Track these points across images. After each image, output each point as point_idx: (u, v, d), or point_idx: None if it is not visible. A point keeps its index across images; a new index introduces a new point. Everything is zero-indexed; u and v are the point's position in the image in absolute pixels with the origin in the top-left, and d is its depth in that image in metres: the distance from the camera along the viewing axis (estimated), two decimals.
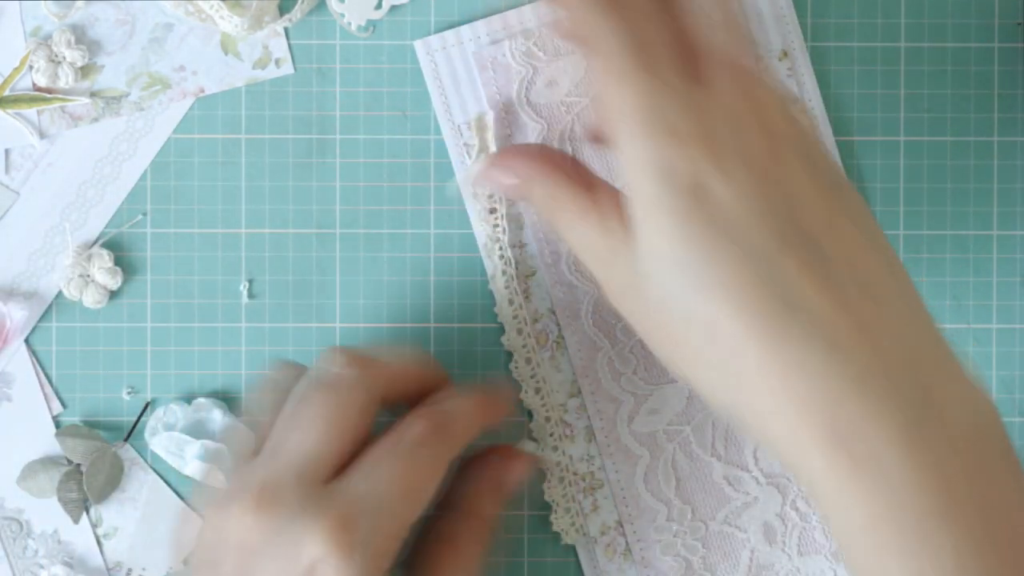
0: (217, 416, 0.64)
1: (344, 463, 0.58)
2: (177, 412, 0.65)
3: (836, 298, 0.52)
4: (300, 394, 0.59)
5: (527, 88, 0.64)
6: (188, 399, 0.65)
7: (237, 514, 0.56)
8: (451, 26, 0.65)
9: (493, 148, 0.64)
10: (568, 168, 0.58)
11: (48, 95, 0.64)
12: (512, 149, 0.61)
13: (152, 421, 0.65)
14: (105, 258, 0.65)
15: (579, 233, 0.56)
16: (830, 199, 0.54)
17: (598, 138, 0.60)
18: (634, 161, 0.54)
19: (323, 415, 0.58)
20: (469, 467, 0.63)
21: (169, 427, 0.65)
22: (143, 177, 0.65)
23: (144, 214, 0.65)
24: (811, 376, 0.52)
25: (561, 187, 0.57)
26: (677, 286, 0.53)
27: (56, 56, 0.64)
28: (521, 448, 0.65)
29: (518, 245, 0.65)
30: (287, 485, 0.56)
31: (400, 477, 0.57)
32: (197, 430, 0.64)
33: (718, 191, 0.53)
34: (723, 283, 0.53)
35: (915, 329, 0.53)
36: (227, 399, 0.65)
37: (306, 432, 0.57)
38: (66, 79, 0.64)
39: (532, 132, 0.64)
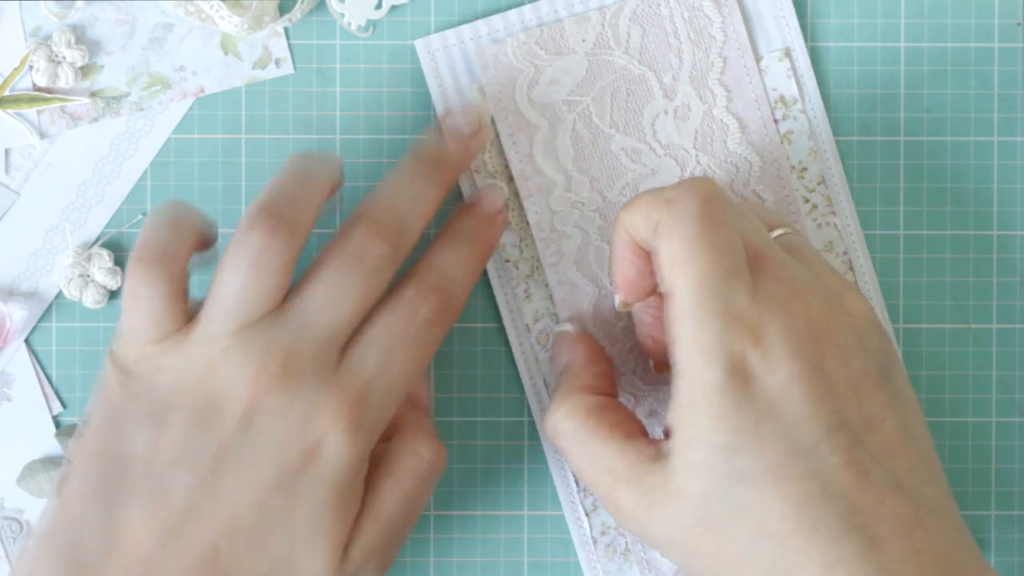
0: None
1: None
2: None
3: (875, 494, 0.54)
4: (329, 258, 0.59)
5: (529, 87, 0.64)
6: None
7: (253, 373, 0.57)
8: (451, 26, 0.65)
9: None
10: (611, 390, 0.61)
11: (48, 95, 0.64)
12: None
13: None
14: (105, 258, 0.65)
15: (607, 452, 0.57)
16: (876, 391, 0.56)
17: (643, 298, 0.60)
18: (692, 340, 0.55)
19: (356, 294, 0.58)
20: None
21: None
22: (143, 177, 0.65)
23: (144, 214, 0.65)
24: (851, 574, 0.53)
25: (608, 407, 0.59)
26: (725, 475, 0.54)
27: (56, 56, 0.64)
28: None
29: (518, 245, 0.65)
30: (309, 356, 0.57)
31: (413, 359, 0.59)
32: None
33: (764, 383, 0.54)
34: (771, 474, 0.54)
35: (947, 528, 0.55)
36: None
37: (336, 305, 0.58)
38: (66, 79, 0.64)
39: (535, 131, 0.64)
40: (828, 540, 0.53)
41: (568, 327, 0.63)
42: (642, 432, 0.58)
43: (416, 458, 0.60)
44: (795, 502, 0.54)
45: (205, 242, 0.60)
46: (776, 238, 0.59)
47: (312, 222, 0.59)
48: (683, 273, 0.55)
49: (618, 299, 0.60)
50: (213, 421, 0.57)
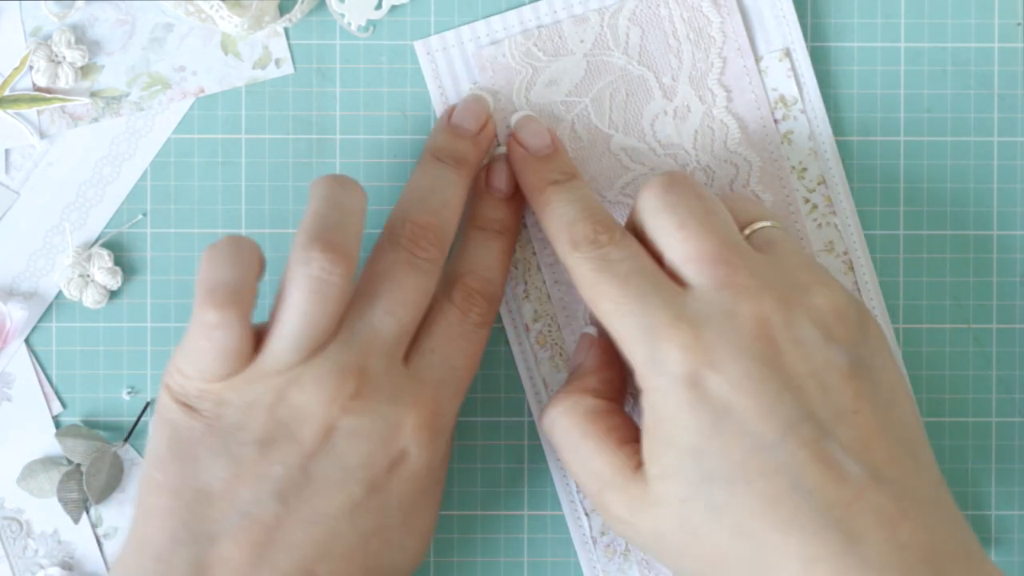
0: None
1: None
2: None
3: (852, 487, 0.54)
4: (380, 268, 0.59)
5: (527, 88, 0.64)
6: None
7: (328, 397, 0.57)
8: (451, 26, 0.65)
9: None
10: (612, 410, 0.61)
11: (48, 95, 0.65)
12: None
13: None
14: (105, 258, 0.65)
15: (598, 457, 0.58)
16: (846, 383, 0.56)
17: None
18: (635, 359, 0.57)
19: (415, 298, 0.59)
20: None
21: None
22: (143, 177, 0.65)
23: (144, 214, 0.65)
24: (831, 569, 0.53)
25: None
26: (697, 477, 0.55)
27: (56, 56, 0.64)
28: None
29: (517, 245, 0.65)
30: (381, 372, 0.58)
31: (471, 358, 0.61)
32: None
33: (713, 383, 0.55)
34: (740, 472, 0.54)
35: (937, 518, 0.55)
36: None
37: (397, 315, 0.59)
38: (66, 79, 0.64)
39: None
40: (805, 536, 0.53)
41: (592, 330, 0.63)
42: (636, 439, 0.58)
43: None
44: (767, 499, 0.54)
45: (262, 270, 0.60)
46: (752, 232, 0.60)
47: (359, 247, 0.59)
48: (612, 320, 0.58)
49: None
50: (291, 448, 0.57)
